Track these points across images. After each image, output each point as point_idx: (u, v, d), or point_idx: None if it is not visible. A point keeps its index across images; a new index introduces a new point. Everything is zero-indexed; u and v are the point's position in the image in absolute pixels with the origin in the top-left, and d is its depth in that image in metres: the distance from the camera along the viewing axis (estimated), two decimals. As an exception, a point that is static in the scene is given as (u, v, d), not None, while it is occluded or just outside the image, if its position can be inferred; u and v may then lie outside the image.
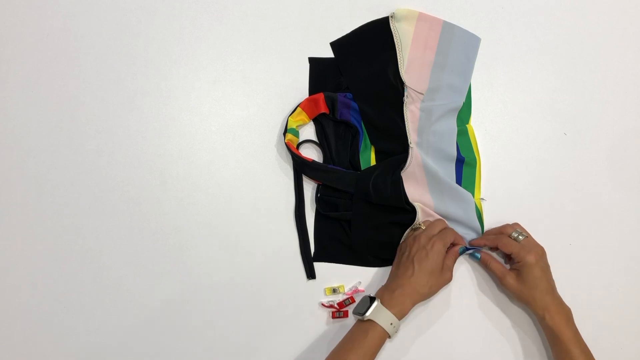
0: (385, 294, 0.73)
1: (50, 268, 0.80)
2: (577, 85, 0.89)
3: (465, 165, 0.85)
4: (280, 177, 0.84)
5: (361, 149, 0.85)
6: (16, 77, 0.85)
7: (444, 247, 0.75)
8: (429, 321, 0.81)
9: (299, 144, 0.84)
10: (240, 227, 0.82)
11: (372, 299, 0.73)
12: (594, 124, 0.87)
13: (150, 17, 0.88)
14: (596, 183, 0.86)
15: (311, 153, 0.86)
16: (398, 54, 0.86)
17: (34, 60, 0.86)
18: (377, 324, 0.70)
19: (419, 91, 0.85)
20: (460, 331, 0.81)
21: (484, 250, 0.80)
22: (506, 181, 0.85)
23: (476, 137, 0.86)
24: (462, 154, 0.84)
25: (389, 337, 0.71)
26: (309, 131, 0.86)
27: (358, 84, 0.86)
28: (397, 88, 0.85)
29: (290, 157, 0.83)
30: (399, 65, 0.85)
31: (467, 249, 0.80)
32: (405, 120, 0.83)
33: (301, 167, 0.83)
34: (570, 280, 0.82)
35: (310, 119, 0.85)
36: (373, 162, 0.85)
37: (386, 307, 0.71)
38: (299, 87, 0.86)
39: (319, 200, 0.83)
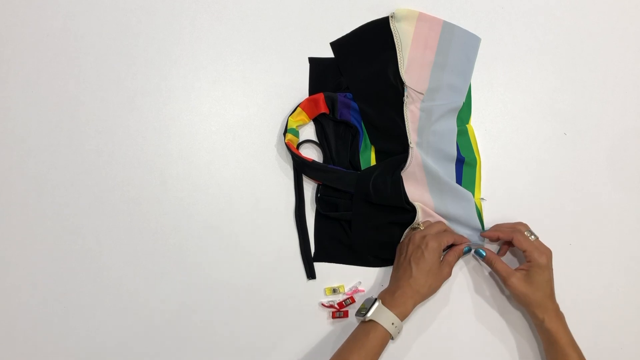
0: (386, 296, 0.74)
1: (50, 268, 0.80)
2: (577, 85, 0.89)
3: (465, 165, 0.85)
4: (280, 177, 0.84)
5: (361, 149, 0.85)
6: (16, 77, 0.85)
7: (438, 244, 0.74)
8: (429, 321, 0.81)
9: (299, 144, 0.84)
10: (240, 227, 0.82)
11: (373, 301, 0.73)
12: (594, 124, 0.87)
13: (150, 17, 0.88)
14: (596, 183, 0.86)
15: (311, 153, 0.86)
16: (398, 54, 0.86)
17: (34, 60, 0.86)
18: (379, 324, 0.70)
19: (419, 91, 0.85)
20: (460, 331, 0.81)
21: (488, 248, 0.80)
22: (506, 181, 0.85)
23: (476, 137, 0.86)
24: (462, 154, 0.84)
25: (392, 338, 0.71)
26: (309, 131, 0.86)
27: (358, 84, 0.86)
28: (397, 88, 0.85)
29: (290, 157, 0.83)
30: (399, 65, 0.85)
31: (472, 249, 0.80)
32: (405, 120, 0.83)
33: (301, 167, 0.83)
34: (570, 280, 0.82)
35: (310, 119, 0.85)
36: (373, 162, 0.85)
37: (387, 308, 0.71)
38: (299, 87, 0.86)
39: (319, 200, 0.83)
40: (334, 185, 0.82)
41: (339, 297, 0.81)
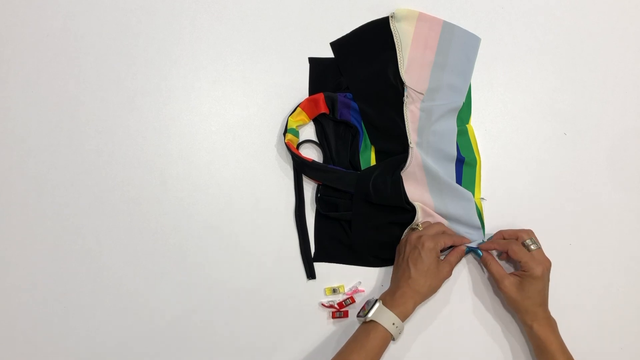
0: (387, 297, 0.74)
1: (50, 268, 0.80)
2: (577, 85, 0.88)
3: (465, 165, 0.85)
4: (280, 177, 0.84)
5: (361, 149, 0.85)
6: (16, 77, 0.85)
7: (434, 244, 0.74)
8: (429, 321, 0.81)
9: (299, 144, 0.84)
10: (240, 227, 0.82)
11: (374, 302, 0.73)
12: (594, 124, 0.87)
13: (150, 17, 0.88)
14: (596, 183, 0.86)
15: (311, 153, 0.86)
16: (398, 54, 0.86)
17: (34, 60, 0.86)
18: (380, 324, 0.70)
19: (419, 91, 0.85)
20: (460, 331, 0.81)
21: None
22: (506, 181, 0.85)
23: (476, 137, 0.86)
24: (462, 154, 0.84)
25: (393, 338, 0.71)
26: (309, 131, 0.86)
27: (358, 84, 0.86)
28: (397, 88, 0.85)
29: (290, 157, 0.83)
30: (399, 65, 0.85)
31: (472, 248, 0.80)
32: (405, 120, 0.83)
33: (301, 167, 0.83)
34: (570, 280, 0.82)
35: (310, 119, 0.85)
36: (373, 162, 0.85)
37: (388, 308, 0.71)
38: (299, 87, 0.86)
39: (319, 200, 0.83)
40: (334, 185, 0.82)
41: (339, 297, 0.81)
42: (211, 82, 0.87)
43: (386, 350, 0.73)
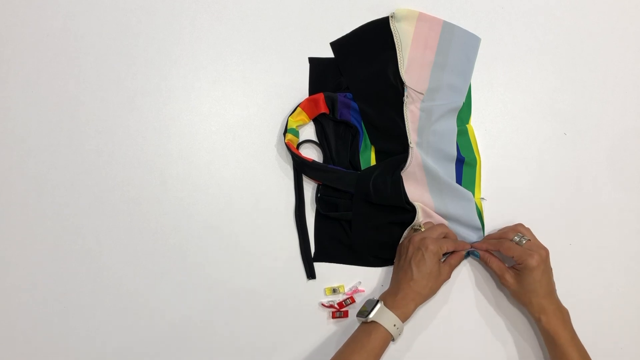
0: (388, 297, 0.74)
1: (50, 268, 0.80)
2: (577, 85, 0.88)
3: (465, 165, 0.85)
4: (280, 177, 0.84)
5: (361, 149, 0.85)
6: (16, 77, 0.85)
7: (438, 248, 0.74)
8: (429, 321, 0.81)
9: (299, 144, 0.84)
10: (240, 227, 0.82)
11: (375, 302, 0.73)
12: (594, 124, 0.87)
13: (150, 17, 0.87)
14: (596, 183, 0.86)
15: (311, 153, 0.86)
16: (398, 54, 0.86)
17: (34, 60, 0.86)
18: (381, 325, 0.70)
19: (419, 91, 0.85)
20: (460, 331, 0.81)
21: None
22: (506, 181, 0.85)
23: (476, 137, 0.86)
24: (462, 154, 0.84)
25: (393, 339, 0.71)
26: (309, 131, 0.86)
27: (358, 84, 0.86)
28: (397, 88, 0.85)
29: (290, 157, 0.83)
30: (399, 65, 0.85)
31: (470, 254, 0.80)
32: (405, 120, 0.83)
33: (301, 167, 0.83)
34: (570, 280, 0.82)
35: (310, 119, 0.85)
36: (373, 162, 0.85)
37: (389, 309, 0.71)
38: (299, 87, 0.86)
39: (319, 200, 0.83)
40: (334, 185, 0.82)
41: (339, 297, 0.81)
42: (211, 82, 0.87)
43: (386, 350, 0.73)
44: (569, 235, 0.84)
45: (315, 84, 0.86)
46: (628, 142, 0.87)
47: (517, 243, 0.75)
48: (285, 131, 0.82)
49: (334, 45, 0.88)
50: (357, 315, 0.76)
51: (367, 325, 0.72)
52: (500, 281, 0.77)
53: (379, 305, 0.72)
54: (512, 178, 0.86)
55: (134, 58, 0.86)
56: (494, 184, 0.85)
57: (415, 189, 0.82)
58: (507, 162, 0.86)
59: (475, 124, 0.87)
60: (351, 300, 0.80)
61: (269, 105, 0.86)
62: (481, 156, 0.86)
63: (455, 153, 0.84)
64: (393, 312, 0.71)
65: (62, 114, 0.84)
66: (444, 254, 0.77)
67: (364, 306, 0.75)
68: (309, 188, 0.84)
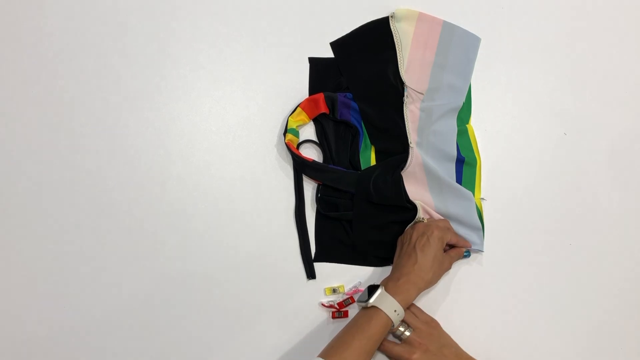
0: (389, 283, 0.73)
1: (50, 268, 0.80)
2: (577, 85, 0.89)
3: (465, 165, 0.85)
4: (280, 177, 0.84)
5: (361, 149, 0.85)
6: (16, 77, 0.85)
7: (442, 234, 0.75)
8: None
9: (299, 144, 0.84)
10: (241, 227, 0.82)
11: (376, 287, 0.72)
12: (594, 124, 0.87)
13: (150, 17, 0.88)
14: (596, 183, 0.86)
15: (311, 153, 0.86)
16: (398, 54, 0.86)
17: (34, 60, 0.86)
18: (381, 310, 0.69)
19: (419, 91, 0.85)
20: (460, 328, 0.81)
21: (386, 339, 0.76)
22: (506, 181, 0.85)
23: (476, 137, 0.86)
24: (462, 154, 0.84)
25: (393, 325, 0.71)
26: (309, 131, 0.86)
27: (358, 84, 0.86)
28: (397, 88, 0.85)
29: (290, 157, 0.83)
30: (399, 65, 0.85)
31: (470, 254, 0.81)
32: (405, 120, 0.83)
33: (301, 167, 0.83)
34: (570, 280, 0.82)
35: (310, 119, 0.85)
36: (373, 162, 0.85)
37: (390, 295, 0.71)
38: (299, 87, 0.86)
39: (319, 200, 0.83)
40: (334, 185, 0.82)
41: (339, 297, 0.81)
42: (211, 82, 0.87)
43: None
44: (569, 235, 0.84)
45: (315, 84, 0.86)
46: (628, 142, 0.87)
47: (399, 336, 0.74)
48: (286, 131, 0.82)
49: (334, 45, 0.88)
50: (358, 300, 0.75)
51: (367, 311, 0.71)
52: None
53: (380, 291, 0.71)
54: (512, 178, 0.86)
55: (134, 58, 0.86)
56: (494, 184, 0.85)
57: (415, 189, 0.82)
58: (507, 162, 0.86)
59: (475, 124, 0.87)
60: (351, 300, 0.80)
61: (269, 105, 0.86)
62: (481, 156, 0.86)
63: (455, 153, 0.84)
64: (394, 297, 0.70)
65: (62, 114, 0.84)
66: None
67: (364, 291, 0.75)
68: (309, 188, 0.84)
